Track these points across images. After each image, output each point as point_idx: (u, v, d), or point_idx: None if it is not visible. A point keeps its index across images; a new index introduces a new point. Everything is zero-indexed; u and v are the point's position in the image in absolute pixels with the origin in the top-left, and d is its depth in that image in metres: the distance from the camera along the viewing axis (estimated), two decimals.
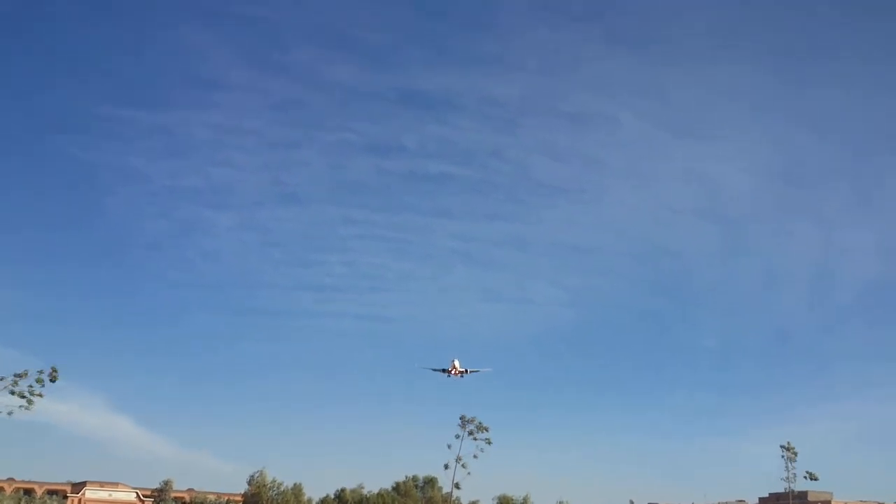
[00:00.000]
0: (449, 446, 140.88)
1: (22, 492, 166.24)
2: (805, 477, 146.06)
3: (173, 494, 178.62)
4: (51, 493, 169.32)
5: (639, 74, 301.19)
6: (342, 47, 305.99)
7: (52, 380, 73.01)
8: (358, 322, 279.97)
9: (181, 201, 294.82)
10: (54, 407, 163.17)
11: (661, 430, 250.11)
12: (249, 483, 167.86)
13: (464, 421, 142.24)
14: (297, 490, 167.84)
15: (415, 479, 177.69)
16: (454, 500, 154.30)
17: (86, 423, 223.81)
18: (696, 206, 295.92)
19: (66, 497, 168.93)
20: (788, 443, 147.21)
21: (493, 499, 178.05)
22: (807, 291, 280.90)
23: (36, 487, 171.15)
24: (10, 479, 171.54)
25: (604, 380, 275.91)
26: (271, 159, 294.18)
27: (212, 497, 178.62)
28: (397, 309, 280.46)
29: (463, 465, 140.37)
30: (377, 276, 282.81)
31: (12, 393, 71.26)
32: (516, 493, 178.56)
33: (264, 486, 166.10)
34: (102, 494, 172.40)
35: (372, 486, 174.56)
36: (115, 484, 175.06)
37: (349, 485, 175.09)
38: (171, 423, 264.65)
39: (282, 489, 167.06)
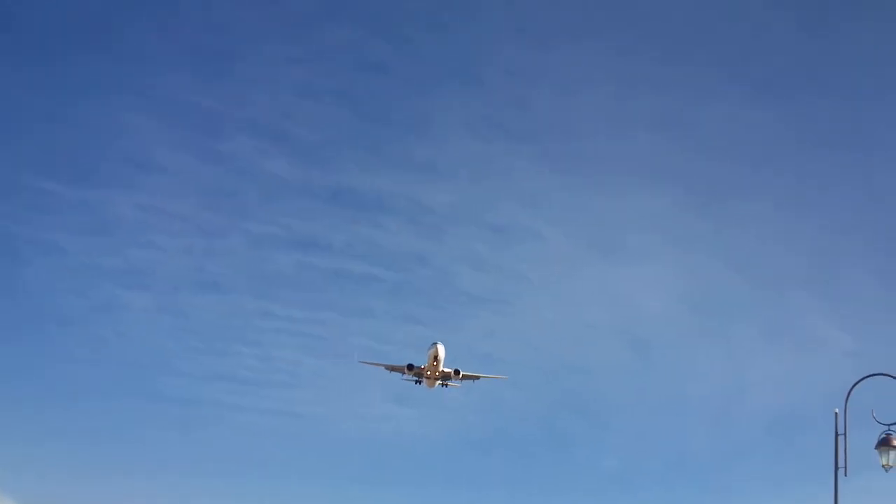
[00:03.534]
0: None
1: None
2: None
3: None
4: None
5: (566, 194, 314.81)
6: (278, 141, 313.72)
7: None
8: (268, 417, 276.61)
9: (99, 279, 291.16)
10: None
11: None
12: None
13: None
14: None
15: None
16: None
17: None
18: (611, 326, 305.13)
19: None
20: None
21: None
22: (711, 419, 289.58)
23: None
24: None
25: (507, 494, 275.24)
26: (195, 245, 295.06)
27: None
28: (308, 406, 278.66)
29: None
30: (291, 371, 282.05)
31: None
32: None
33: None
34: None
35: None
36: None
37: None
38: None
39: None
